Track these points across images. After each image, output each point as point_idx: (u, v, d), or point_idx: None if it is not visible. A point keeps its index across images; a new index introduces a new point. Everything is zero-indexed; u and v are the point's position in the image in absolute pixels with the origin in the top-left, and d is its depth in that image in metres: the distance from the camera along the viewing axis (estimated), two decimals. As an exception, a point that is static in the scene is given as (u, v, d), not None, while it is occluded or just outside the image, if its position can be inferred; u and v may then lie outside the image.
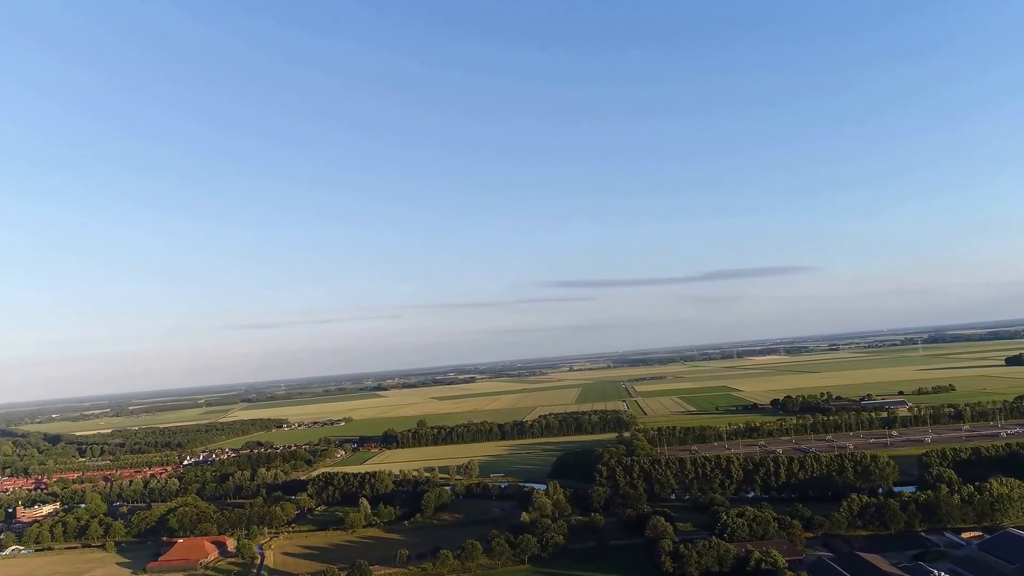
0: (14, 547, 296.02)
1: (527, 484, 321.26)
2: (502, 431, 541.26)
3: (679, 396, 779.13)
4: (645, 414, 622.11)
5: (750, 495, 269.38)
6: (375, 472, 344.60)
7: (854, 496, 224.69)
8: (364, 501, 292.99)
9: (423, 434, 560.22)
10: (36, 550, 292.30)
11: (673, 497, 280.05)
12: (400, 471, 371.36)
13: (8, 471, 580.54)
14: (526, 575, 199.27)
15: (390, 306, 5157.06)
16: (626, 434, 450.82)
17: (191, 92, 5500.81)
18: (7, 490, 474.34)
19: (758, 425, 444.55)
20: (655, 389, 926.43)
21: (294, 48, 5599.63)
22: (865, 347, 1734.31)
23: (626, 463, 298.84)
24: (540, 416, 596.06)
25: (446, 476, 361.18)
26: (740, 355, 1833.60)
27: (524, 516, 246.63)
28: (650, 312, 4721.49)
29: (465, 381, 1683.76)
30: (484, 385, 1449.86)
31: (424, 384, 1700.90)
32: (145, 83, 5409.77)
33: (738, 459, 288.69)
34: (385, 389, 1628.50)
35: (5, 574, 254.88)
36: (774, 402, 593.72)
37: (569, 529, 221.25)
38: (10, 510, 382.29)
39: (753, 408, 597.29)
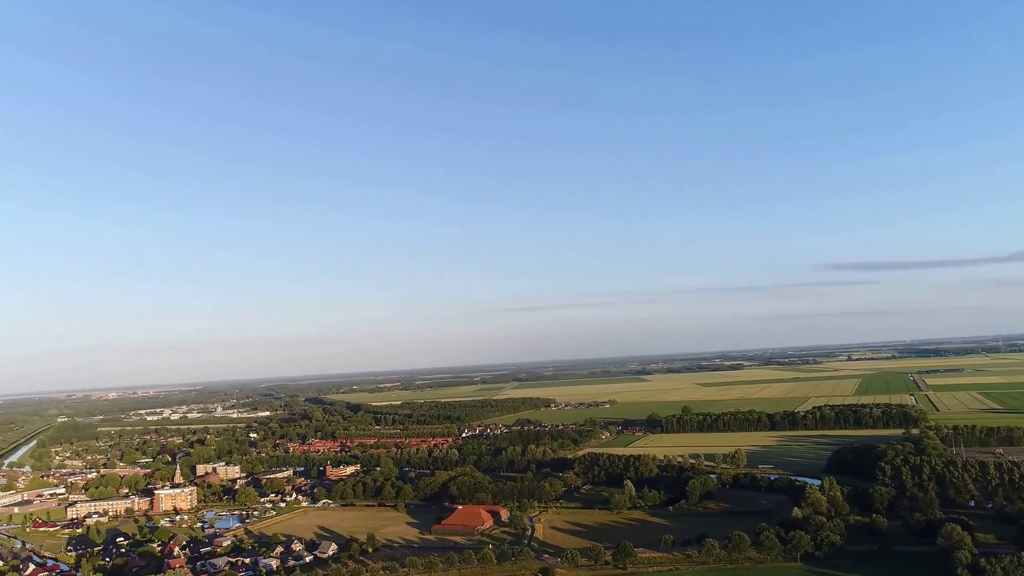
0: (325, 500, 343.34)
1: (798, 478, 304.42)
2: (771, 421, 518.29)
3: (980, 391, 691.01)
4: (937, 410, 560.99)
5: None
6: (639, 456, 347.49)
7: None
8: (628, 483, 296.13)
9: (688, 420, 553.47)
10: (341, 504, 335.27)
11: (971, 504, 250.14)
12: (664, 456, 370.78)
13: (319, 434, 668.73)
14: (798, 573, 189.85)
15: (651, 291, 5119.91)
16: (914, 431, 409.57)
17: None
18: (318, 451, 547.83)
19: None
20: (950, 382, 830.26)
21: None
22: None
23: (914, 462, 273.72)
24: (814, 407, 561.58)
25: (711, 464, 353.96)
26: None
27: (796, 512, 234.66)
28: (942, 297, 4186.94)
29: (732, 368, 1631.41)
30: (752, 372, 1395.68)
31: (688, 370, 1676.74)
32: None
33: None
34: (649, 373, 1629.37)
35: (321, 522, 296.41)
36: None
37: (847, 529, 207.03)
38: (321, 468, 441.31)
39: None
